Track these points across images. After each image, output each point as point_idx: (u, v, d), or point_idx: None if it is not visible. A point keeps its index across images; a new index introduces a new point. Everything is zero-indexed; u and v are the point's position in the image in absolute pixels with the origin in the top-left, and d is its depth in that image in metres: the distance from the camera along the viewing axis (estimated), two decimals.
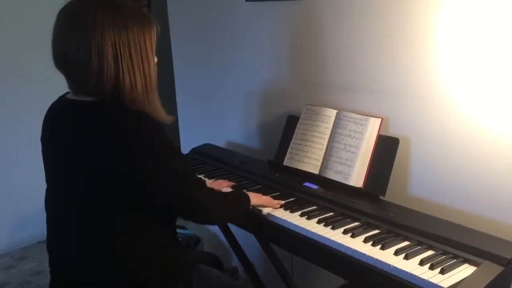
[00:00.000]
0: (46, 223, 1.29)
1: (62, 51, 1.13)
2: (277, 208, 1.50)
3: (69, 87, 1.21)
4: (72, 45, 1.11)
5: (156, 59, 1.21)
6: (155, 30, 1.19)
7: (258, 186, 1.69)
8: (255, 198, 1.46)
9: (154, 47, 1.19)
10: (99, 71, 1.10)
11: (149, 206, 1.19)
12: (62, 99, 1.26)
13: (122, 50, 1.11)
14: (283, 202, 1.53)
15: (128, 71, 1.13)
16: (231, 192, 1.48)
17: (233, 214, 1.42)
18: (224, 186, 1.67)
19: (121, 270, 1.19)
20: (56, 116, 1.26)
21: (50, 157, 1.26)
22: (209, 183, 1.67)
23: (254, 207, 1.47)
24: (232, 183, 1.70)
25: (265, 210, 1.48)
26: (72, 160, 1.17)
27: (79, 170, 1.16)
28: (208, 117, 2.54)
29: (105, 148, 1.12)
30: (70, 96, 1.23)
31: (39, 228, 2.81)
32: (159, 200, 1.19)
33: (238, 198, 1.42)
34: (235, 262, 2.38)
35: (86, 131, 1.15)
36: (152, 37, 1.18)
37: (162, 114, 1.22)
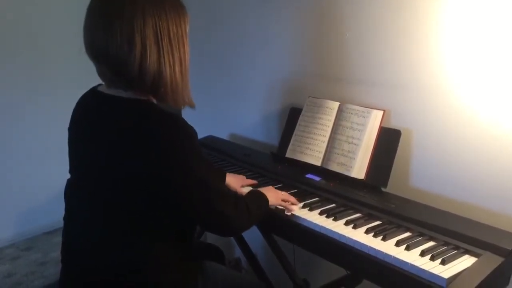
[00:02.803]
0: (65, 212, 1.28)
1: (102, 41, 1.10)
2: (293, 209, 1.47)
3: (105, 79, 1.18)
4: (113, 33, 1.08)
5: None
6: (188, 18, 1.20)
7: (262, 178, 1.70)
8: (273, 197, 1.43)
9: (188, 34, 1.19)
10: (142, 56, 1.09)
11: (172, 211, 1.17)
12: (94, 92, 1.24)
13: (162, 33, 1.11)
14: (298, 204, 1.49)
15: (168, 54, 1.12)
16: (250, 196, 1.42)
17: (254, 223, 1.37)
18: (243, 184, 1.64)
19: (134, 270, 1.18)
20: (88, 109, 1.24)
21: (77, 149, 1.25)
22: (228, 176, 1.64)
23: (271, 206, 1.43)
24: (253, 182, 1.66)
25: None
26: (100, 155, 1.16)
27: (105, 166, 1.15)
28: (211, 110, 2.54)
29: (132, 145, 1.10)
30: (103, 89, 1.21)
31: (45, 219, 2.85)
32: (182, 207, 1.17)
33: (258, 206, 1.37)
34: (238, 253, 2.40)
35: (116, 127, 1.14)
36: (187, 24, 1.18)
37: (191, 100, 1.25)
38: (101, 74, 1.18)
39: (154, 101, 1.20)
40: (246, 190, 1.60)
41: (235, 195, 1.49)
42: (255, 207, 1.34)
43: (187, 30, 1.19)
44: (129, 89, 1.15)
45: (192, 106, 1.25)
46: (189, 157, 1.12)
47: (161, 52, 1.11)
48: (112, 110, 1.17)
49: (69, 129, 1.28)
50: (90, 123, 1.21)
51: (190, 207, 1.17)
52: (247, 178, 1.70)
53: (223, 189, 1.26)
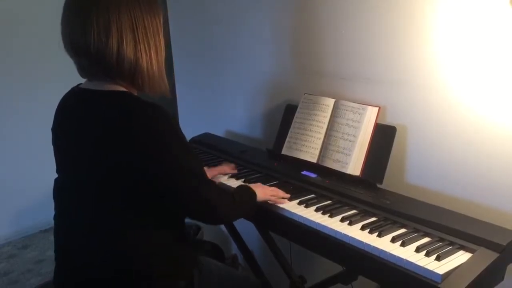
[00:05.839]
0: (55, 211, 1.29)
1: (80, 33, 1.12)
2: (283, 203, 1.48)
3: (85, 73, 1.21)
4: (90, 25, 1.11)
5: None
6: (161, 12, 1.24)
7: (258, 175, 1.71)
8: (261, 193, 1.45)
9: (162, 27, 1.23)
10: (119, 45, 1.12)
11: (159, 201, 1.18)
12: (75, 89, 1.26)
13: (137, 22, 1.15)
14: (288, 195, 1.50)
15: (143, 42, 1.16)
16: (237, 189, 1.45)
17: (240, 213, 1.40)
18: (227, 171, 1.69)
19: (127, 265, 1.19)
20: (70, 106, 1.25)
21: (62, 147, 1.26)
22: (210, 169, 1.68)
23: (260, 202, 1.45)
24: (233, 167, 1.72)
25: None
26: (85, 151, 1.17)
27: (92, 162, 1.16)
28: (207, 107, 2.54)
29: (116, 139, 1.12)
30: (84, 85, 1.23)
31: (41, 217, 2.85)
32: (168, 196, 1.18)
33: (244, 196, 1.40)
34: (234, 249, 2.41)
35: (99, 122, 1.15)
36: (160, 18, 1.23)
37: (168, 88, 1.26)
38: (80, 68, 1.21)
39: (135, 92, 1.22)
40: (223, 179, 1.67)
41: (218, 185, 1.50)
42: (241, 198, 1.38)
43: (161, 23, 1.23)
44: (109, 79, 1.18)
45: (167, 94, 1.28)
46: (172, 145, 1.15)
47: (137, 40, 1.15)
48: (93, 105, 1.19)
49: (53, 130, 1.29)
50: (73, 121, 1.22)
51: (176, 195, 1.19)
52: (242, 176, 1.70)
53: (207, 177, 1.28)
